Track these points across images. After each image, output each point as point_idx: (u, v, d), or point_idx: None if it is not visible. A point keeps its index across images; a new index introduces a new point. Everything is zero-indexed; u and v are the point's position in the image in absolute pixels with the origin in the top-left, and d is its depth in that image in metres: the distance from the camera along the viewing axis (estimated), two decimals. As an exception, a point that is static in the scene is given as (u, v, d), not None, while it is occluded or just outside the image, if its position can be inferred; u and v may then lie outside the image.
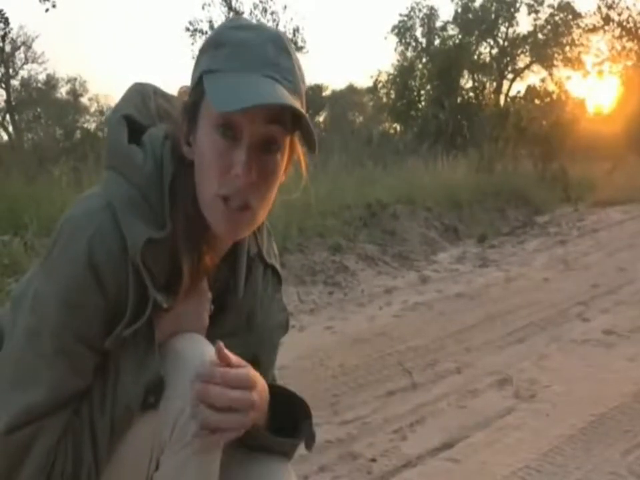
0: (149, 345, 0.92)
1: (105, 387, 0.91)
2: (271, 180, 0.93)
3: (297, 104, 0.88)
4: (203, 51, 0.94)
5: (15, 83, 23.19)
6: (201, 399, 0.89)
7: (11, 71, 22.34)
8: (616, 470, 2.13)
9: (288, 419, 1.08)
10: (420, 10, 22.56)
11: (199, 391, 0.89)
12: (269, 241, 1.14)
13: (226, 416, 0.91)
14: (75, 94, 28.70)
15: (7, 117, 22.19)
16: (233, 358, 0.94)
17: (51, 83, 26.63)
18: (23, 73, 23.55)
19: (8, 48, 21.27)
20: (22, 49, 22.57)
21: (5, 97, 22.27)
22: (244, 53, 0.90)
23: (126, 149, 0.95)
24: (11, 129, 22.02)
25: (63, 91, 28.56)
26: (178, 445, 0.93)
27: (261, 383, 0.99)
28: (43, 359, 0.89)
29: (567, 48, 21.99)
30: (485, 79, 21.36)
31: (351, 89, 31.76)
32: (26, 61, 22.99)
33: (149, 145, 0.95)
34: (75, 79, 28.62)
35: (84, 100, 29.07)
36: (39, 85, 25.28)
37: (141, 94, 1.02)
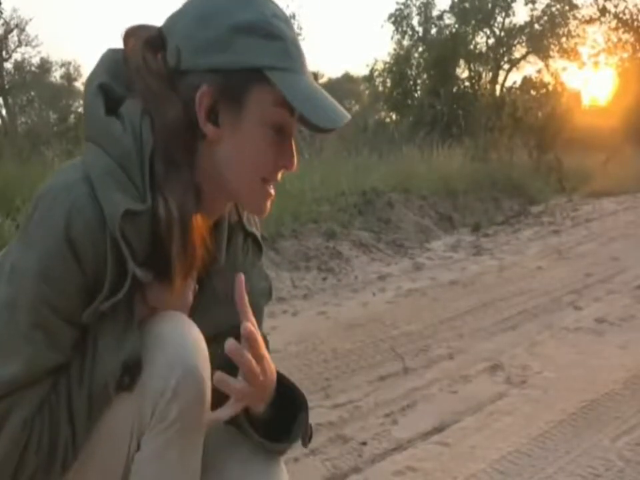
0: (128, 322, 0.90)
1: (83, 362, 0.90)
2: None
3: None
4: (246, 33, 0.90)
5: (8, 66, 22.97)
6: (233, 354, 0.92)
7: (4, 53, 22.11)
8: (605, 455, 2.14)
9: (286, 409, 1.07)
10: (417, -2, 22.45)
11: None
12: None
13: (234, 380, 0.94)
14: (69, 78, 28.50)
15: (0, 100, 22.00)
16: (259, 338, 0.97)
17: (45, 66, 26.42)
18: (16, 56, 23.29)
19: (1, 30, 21.08)
20: (15, 31, 22.29)
21: (-3, 80, 22.08)
22: (296, 51, 0.94)
23: (104, 120, 0.92)
24: (4, 112, 21.85)
25: (57, 75, 28.38)
26: (159, 426, 0.92)
27: (273, 371, 1.01)
28: (20, 332, 0.87)
29: (563, 39, 21.94)
30: (481, 69, 21.27)
31: (347, 77, 31.69)
32: (19, 44, 22.72)
33: (127, 117, 0.92)
34: (70, 63, 28.43)
35: (78, 84, 28.87)
36: (33, 68, 25.04)
37: (115, 60, 0.98)
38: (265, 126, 0.93)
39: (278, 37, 0.92)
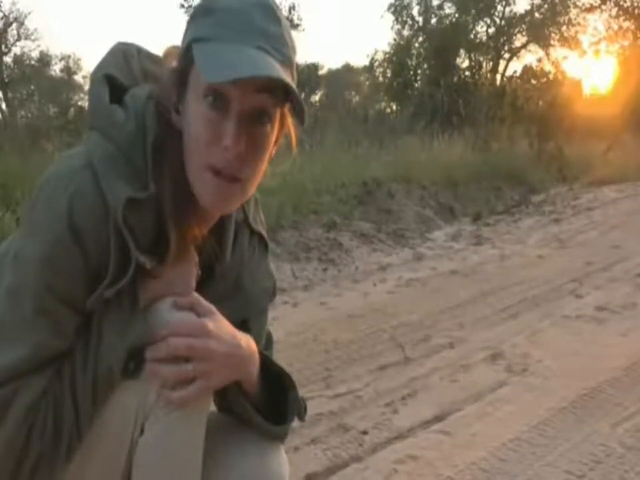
0: (132, 308, 0.91)
1: (87, 348, 0.90)
2: (260, 151, 0.91)
3: (288, 76, 0.87)
4: (192, 18, 0.93)
5: (7, 59, 22.91)
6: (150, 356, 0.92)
7: (3, 47, 22.04)
8: (606, 442, 2.15)
9: (276, 393, 1.08)
10: (417, -12, 22.32)
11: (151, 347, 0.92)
12: (256, 208, 1.13)
13: (175, 367, 0.91)
14: (69, 71, 28.45)
15: (0, 94, 21.95)
16: (204, 305, 0.96)
17: (45, 60, 26.34)
18: (16, 50, 23.23)
19: (0, 24, 21.03)
20: (14, 25, 22.23)
21: (-3, 74, 22.00)
22: (233, 20, 0.88)
23: (107, 108, 0.93)
24: (4, 106, 21.81)
25: (56, 69, 28.31)
26: (163, 411, 0.93)
27: (242, 339, 0.99)
28: (24, 318, 0.88)
29: (564, 27, 21.82)
30: (481, 58, 21.19)
31: (347, 68, 31.61)
32: (19, 38, 22.65)
33: (131, 104, 0.94)
34: (69, 57, 28.38)
35: (78, 78, 28.84)
36: (32, 62, 24.98)
37: (124, 53, 1.00)
38: (200, 100, 0.89)
39: (212, 9, 0.90)
